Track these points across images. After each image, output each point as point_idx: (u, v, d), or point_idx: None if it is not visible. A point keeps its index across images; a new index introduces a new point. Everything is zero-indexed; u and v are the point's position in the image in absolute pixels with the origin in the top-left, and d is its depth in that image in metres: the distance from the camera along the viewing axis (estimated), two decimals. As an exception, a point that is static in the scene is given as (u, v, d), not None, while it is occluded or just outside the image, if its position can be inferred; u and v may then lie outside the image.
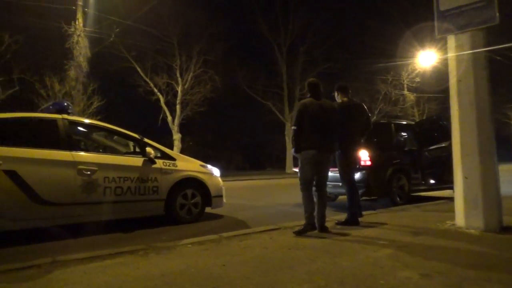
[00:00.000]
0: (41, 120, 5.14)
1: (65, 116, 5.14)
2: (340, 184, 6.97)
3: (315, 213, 4.63)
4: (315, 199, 4.64)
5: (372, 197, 7.69)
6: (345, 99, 5.34)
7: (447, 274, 2.96)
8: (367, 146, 6.97)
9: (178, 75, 22.14)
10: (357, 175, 6.87)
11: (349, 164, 5.20)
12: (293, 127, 4.66)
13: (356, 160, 5.51)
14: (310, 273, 3.02)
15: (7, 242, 4.46)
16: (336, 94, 5.47)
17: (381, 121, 8.81)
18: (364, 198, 7.48)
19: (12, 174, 4.38)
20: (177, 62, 21.92)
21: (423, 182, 7.96)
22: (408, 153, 7.89)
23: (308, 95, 4.79)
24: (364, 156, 6.86)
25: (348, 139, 5.06)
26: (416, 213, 6.15)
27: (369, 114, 5.47)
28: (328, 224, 4.79)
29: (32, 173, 4.51)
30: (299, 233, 4.52)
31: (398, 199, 7.29)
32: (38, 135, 4.97)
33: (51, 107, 5.47)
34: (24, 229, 4.66)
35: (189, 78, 22.18)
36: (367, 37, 24.10)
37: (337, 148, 4.94)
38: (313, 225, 4.59)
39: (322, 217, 4.68)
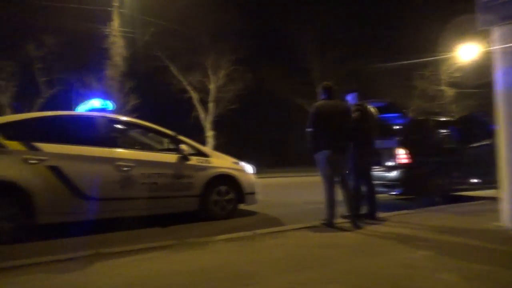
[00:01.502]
0: (82, 118, 5.35)
1: (104, 114, 5.31)
2: (376, 182, 6.88)
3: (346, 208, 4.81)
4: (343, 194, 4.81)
5: (410, 196, 7.46)
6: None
7: (491, 277, 2.82)
8: (405, 143, 6.76)
9: (210, 73, 22.38)
10: (394, 173, 6.70)
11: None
12: (308, 129, 4.81)
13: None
14: (343, 272, 2.97)
15: (51, 234, 4.67)
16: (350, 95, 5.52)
17: (419, 118, 8.51)
18: (401, 197, 7.29)
19: (56, 170, 4.59)
20: (209, 60, 22.15)
21: (464, 181, 7.61)
22: (448, 150, 7.57)
23: (322, 97, 5.00)
24: (401, 153, 6.66)
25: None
26: (457, 213, 5.90)
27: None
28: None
29: (74, 169, 4.70)
30: (320, 227, 4.69)
31: (437, 198, 7.01)
32: (80, 132, 5.16)
33: (91, 105, 5.67)
34: (66, 222, 4.86)
35: (221, 76, 22.37)
36: (402, 32, 23.35)
37: (349, 147, 5.01)
38: (331, 224, 4.71)
39: (353, 211, 4.77)
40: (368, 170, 5.47)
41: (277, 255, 3.52)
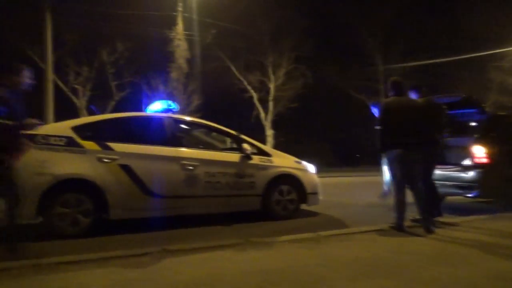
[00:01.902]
0: (150, 118, 5.57)
1: (170, 114, 5.48)
2: (449, 183, 6.38)
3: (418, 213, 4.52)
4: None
5: (488, 200, 6.82)
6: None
7: None
8: (484, 141, 6.17)
9: (270, 72, 22.41)
10: (471, 174, 6.15)
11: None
12: (377, 127, 4.58)
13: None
14: (420, 282, 2.74)
15: (120, 230, 4.91)
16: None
17: (500, 113, 7.73)
18: (478, 200, 6.69)
19: (126, 168, 4.81)
20: (269, 59, 22.20)
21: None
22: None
23: (391, 94, 4.75)
24: (479, 152, 6.08)
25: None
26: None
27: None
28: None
29: (142, 167, 4.90)
30: (388, 230, 4.45)
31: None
32: (147, 132, 5.38)
33: (158, 107, 5.88)
34: (135, 218, 5.08)
35: (281, 75, 22.31)
36: (478, 22, 21.50)
37: (424, 146, 4.66)
38: (401, 227, 4.44)
39: (424, 217, 4.46)
40: (432, 171, 5.18)
41: (346, 259, 3.35)
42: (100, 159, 4.72)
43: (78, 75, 18.75)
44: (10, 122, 3.58)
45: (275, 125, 23.64)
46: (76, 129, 4.84)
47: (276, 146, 23.01)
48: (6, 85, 3.68)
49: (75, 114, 18.10)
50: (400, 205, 4.46)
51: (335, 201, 7.64)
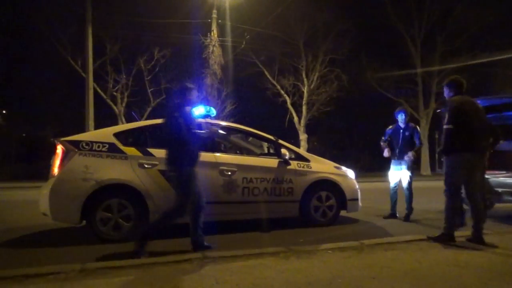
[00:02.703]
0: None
1: (208, 120, 5.48)
2: (501, 189, 5.99)
3: (473, 224, 4.16)
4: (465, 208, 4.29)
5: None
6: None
7: None
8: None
9: (304, 75, 22.23)
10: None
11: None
12: (446, 126, 4.17)
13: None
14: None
15: (160, 235, 4.92)
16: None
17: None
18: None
19: (166, 174, 4.83)
20: (302, 63, 22.03)
21: None
22: None
23: (452, 94, 4.40)
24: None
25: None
26: None
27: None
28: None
29: (181, 173, 4.90)
30: (434, 240, 4.20)
31: None
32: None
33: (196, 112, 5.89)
34: (175, 224, 5.09)
35: (315, 78, 22.06)
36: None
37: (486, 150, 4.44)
38: (452, 237, 4.15)
39: (479, 229, 4.12)
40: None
41: (395, 272, 3.16)
42: (141, 165, 4.78)
43: (117, 82, 19.40)
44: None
45: (310, 129, 23.40)
46: (118, 135, 4.93)
47: (310, 150, 22.77)
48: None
49: (114, 120, 18.72)
50: (454, 214, 4.20)
51: (375, 207, 7.38)
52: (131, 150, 4.84)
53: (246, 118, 20.86)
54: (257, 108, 24.98)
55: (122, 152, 4.80)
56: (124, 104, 19.84)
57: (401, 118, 6.29)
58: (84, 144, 4.73)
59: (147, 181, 4.76)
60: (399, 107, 6.65)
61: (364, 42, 22.58)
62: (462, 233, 4.40)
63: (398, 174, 6.29)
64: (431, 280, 2.94)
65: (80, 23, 16.10)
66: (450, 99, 4.39)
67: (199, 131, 4.01)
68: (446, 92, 4.50)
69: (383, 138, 6.46)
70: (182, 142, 3.84)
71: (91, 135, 5.13)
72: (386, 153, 6.36)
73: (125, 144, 4.89)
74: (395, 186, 6.37)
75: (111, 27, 18.12)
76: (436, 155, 5.66)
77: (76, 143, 4.73)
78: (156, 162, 4.84)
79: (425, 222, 5.93)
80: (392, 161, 6.36)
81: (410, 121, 6.43)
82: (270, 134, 5.83)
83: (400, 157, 6.21)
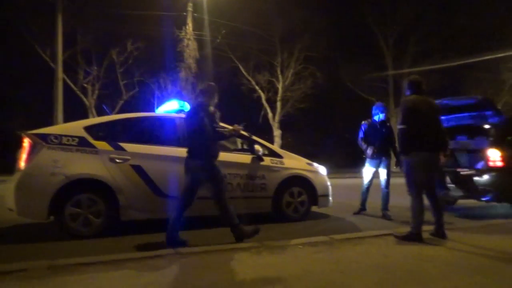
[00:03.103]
0: (161, 119, 5.54)
1: (182, 115, 5.44)
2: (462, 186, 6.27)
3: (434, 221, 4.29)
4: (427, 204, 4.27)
5: (503, 203, 6.69)
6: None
7: None
8: (499, 144, 6.06)
9: (279, 72, 22.35)
10: (485, 177, 6.04)
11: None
12: (400, 126, 4.22)
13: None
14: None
15: (132, 231, 4.88)
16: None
17: (516, 116, 7.59)
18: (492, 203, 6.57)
19: (137, 169, 4.78)
20: (278, 59, 22.13)
21: None
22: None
23: (409, 93, 4.43)
24: (494, 155, 5.97)
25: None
26: None
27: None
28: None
29: (154, 168, 4.86)
30: (402, 238, 4.20)
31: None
32: (159, 133, 5.34)
33: (169, 107, 5.84)
34: (147, 219, 5.04)
35: (290, 75, 22.23)
36: (492, 23, 21.25)
37: (447, 149, 4.44)
38: (420, 236, 4.16)
39: (441, 224, 4.27)
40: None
41: (363, 265, 3.26)
42: (112, 160, 4.70)
43: (88, 74, 18.87)
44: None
45: (284, 125, 23.56)
46: (88, 129, 4.82)
47: (284, 146, 22.93)
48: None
49: (84, 113, 18.22)
50: (420, 213, 4.19)
51: (346, 203, 7.54)
52: (102, 145, 4.74)
53: (221, 113, 20.76)
54: (232, 103, 24.89)
55: (92, 146, 4.70)
56: (95, 97, 19.33)
57: (379, 113, 6.13)
58: (52, 137, 4.60)
59: (118, 176, 4.69)
60: (378, 102, 6.47)
61: (339, 40, 22.93)
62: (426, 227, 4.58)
63: (373, 172, 6.21)
64: (397, 273, 3.06)
65: (50, 11, 15.53)
66: (404, 99, 4.46)
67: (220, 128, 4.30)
68: (406, 92, 4.52)
69: (361, 136, 6.24)
70: (208, 138, 4.14)
71: (61, 128, 4.99)
72: (370, 152, 6.09)
73: (96, 138, 4.78)
74: (368, 184, 6.33)
75: (83, 17, 17.59)
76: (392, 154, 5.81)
77: (44, 137, 4.59)
78: (128, 157, 4.77)
79: (394, 217, 6.10)
80: (368, 158, 6.20)
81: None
82: (244, 130, 5.82)
83: (378, 155, 6.04)
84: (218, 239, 4.34)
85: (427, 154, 4.15)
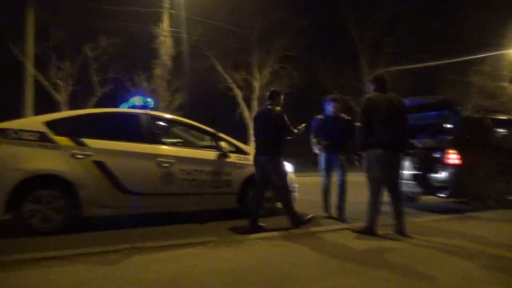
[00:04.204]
0: (125, 115, 5.52)
1: (147, 111, 5.44)
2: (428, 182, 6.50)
3: (393, 216, 4.39)
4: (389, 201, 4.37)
5: (461, 200, 6.98)
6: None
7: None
8: (456, 143, 6.32)
9: (256, 71, 22.41)
10: (444, 174, 6.29)
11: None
12: (357, 123, 4.35)
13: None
14: (385, 280, 2.79)
15: (93, 227, 4.86)
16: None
17: (474, 116, 7.92)
18: (452, 200, 6.84)
19: (100, 165, 4.76)
20: (255, 58, 22.18)
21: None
22: (508, 151, 6.97)
23: (372, 90, 4.49)
24: (451, 153, 6.22)
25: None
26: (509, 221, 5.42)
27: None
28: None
29: (117, 164, 4.84)
30: (358, 232, 4.35)
31: (493, 202, 6.48)
32: (123, 129, 5.32)
33: (134, 103, 5.82)
34: (109, 215, 5.02)
35: (267, 74, 22.32)
36: (461, 26, 21.97)
37: (407, 147, 4.61)
38: (373, 232, 4.27)
39: (400, 221, 4.35)
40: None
41: (316, 258, 3.38)
42: (73, 155, 4.66)
43: (60, 70, 18.42)
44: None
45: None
46: (49, 124, 4.75)
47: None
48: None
49: (56, 110, 17.78)
50: (376, 209, 4.28)
51: (313, 199, 7.67)
52: (63, 140, 4.69)
53: (196, 111, 20.71)
54: (209, 101, 24.81)
55: (53, 141, 4.64)
56: (67, 93, 18.88)
57: (329, 107, 5.83)
58: (12, 132, 4.52)
59: (80, 172, 4.65)
60: (329, 96, 6.17)
61: (316, 40, 23.19)
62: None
63: (327, 169, 5.91)
64: (348, 264, 3.18)
65: (21, 4, 15.11)
66: (365, 97, 4.52)
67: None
68: (370, 88, 4.55)
69: (310, 132, 5.92)
70: (276, 135, 4.77)
71: (20, 123, 4.89)
72: (316, 148, 5.91)
73: (57, 134, 4.72)
74: (326, 183, 5.99)
75: (56, 11, 17.16)
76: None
77: (3, 131, 4.51)
78: (90, 153, 4.74)
79: (356, 213, 6.25)
80: (324, 154, 5.84)
81: (344, 113, 6.04)
82: (220, 128, 5.88)
83: (330, 151, 5.73)
84: (181, 234, 4.38)
85: (383, 152, 4.19)
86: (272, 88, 5.24)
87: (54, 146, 4.63)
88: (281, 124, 4.74)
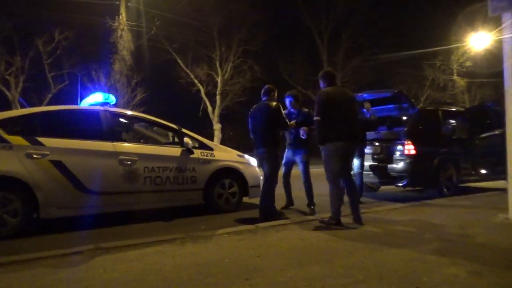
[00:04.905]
0: (84, 112, 5.34)
1: (107, 108, 5.29)
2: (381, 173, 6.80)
3: (349, 206, 4.55)
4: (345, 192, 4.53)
5: (417, 188, 7.36)
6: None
7: (499, 273, 2.74)
8: (411, 134, 6.64)
9: (217, 65, 22.27)
10: (401, 164, 6.60)
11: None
12: (315, 118, 4.46)
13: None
14: (347, 267, 2.91)
15: (53, 229, 4.69)
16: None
17: (427, 108, 8.35)
18: (408, 188, 7.19)
19: (58, 164, 4.58)
20: (216, 52, 22.03)
21: (473, 172, 7.47)
22: (457, 141, 7.43)
23: (324, 85, 4.64)
24: (407, 144, 6.53)
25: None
26: (465, 205, 5.80)
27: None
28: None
29: (76, 163, 4.68)
30: (324, 223, 4.46)
31: (445, 190, 6.89)
32: (82, 126, 5.15)
33: (94, 100, 5.65)
34: (69, 216, 4.85)
35: (229, 69, 22.23)
36: (415, 21, 22.98)
37: (359, 138, 4.91)
38: (339, 221, 4.43)
39: (356, 209, 4.54)
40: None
41: (281, 249, 3.47)
42: (29, 155, 4.45)
43: (10, 65, 17.41)
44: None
45: (225, 119, 23.56)
46: (1, 123, 4.51)
47: (225, 140, 23.01)
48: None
49: (7, 107, 16.82)
50: (339, 199, 4.43)
51: (279, 193, 7.78)
52: (17, 139, 4.46)
53: (159, 107, 20.32)
54: (171, 97, 24.42)
55: (6, 141, 4.40)
56: (19, 90, 17.90)
57: (288, 103, 5.88)
58: (-41, 133, 4.25)
59: (37, 172, 4.45)
60: (288, 92, 6.10)
61: (276, 34, 23.37)
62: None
63: (288, 163, 5.99)
64: (307, 253, 3.30)
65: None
66: (318, 92, 4.68)
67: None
68: (320, 84, 4.72)
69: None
70: (273, 129, 5.08)
71: (-31, 123, 4.61)
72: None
73: (10, 133, 4.48)
74: (285, 176, 6.04)
75: (2, 1, 16.17)
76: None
77: (-51, 132, 4.23)
78: (47, 152, 4.54)
79: (327, 204, 6.43)
80: (286, 149, 5.96)
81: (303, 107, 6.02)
82: (184, 124, 5.82)
83: (294, 145, 5.80)
84: (146, 233, 4.32)
85: (341, 144, 4.35)
86: (266, 85, 5.38)
87: (7, 146, 4.39)
88: (278, 118, 5.02)
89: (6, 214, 4.28)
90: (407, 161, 6.53)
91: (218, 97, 22.49)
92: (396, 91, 7.28)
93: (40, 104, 17.05)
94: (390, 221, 4.69)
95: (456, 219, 4.70)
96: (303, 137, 5.52)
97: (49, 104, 17.62)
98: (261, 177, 6.27)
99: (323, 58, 25.63)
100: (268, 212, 5.06)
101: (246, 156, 6.36)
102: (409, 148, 6.53)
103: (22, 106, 14.79)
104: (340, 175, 4.46)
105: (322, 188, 5.29)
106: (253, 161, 6.39)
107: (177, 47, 20.86)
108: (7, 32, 16.86)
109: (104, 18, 16.99)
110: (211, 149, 5.87)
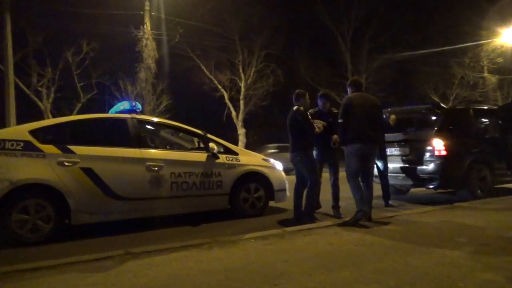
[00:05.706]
0: (113, 120, 5.47)
1: (134, 115, 5.40)
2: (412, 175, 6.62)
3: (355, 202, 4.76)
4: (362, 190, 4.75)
5: (448, 190, 7.11)
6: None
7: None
8: (442, 134, 6.43)
9: (240, 70, 22.39)
10: (431, 166, 6.39)
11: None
12: (339, 120, 4.86)
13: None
14: (377, 272, 2.83)
15: (84, 234, 4.81)
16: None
17: (458, 107, 8.07)
18: (439, 190, 6.96)
19: (88, 171, 4.71)
20: (239, 57, 22.16)
21: (509, 173, 7.14)
22: (490, 140, 7.12)
23: (352, 91, 5.04)
24: (438, 145, 6.32)
25: None
26: (501, 208, 5.54)
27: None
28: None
29: (106, 170, 4.80)
30: (353, 224, 4.52)
31: (479, 191, 6.61)
32: (110, 134, 5.28)
33: (121, 108, 5.78)
34: (99, 222, 4.97)
35: (252, 73, 22.30)
36: (440, 18, 22.39)
37: (379, 141, 5.20)
38: (366, 212, 4.63)
39: (369, 208, 4.72)
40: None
41: (308, 254, 3.41)
42: (60, 163, 4.59)
43: (42, 77, 18.11)
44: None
45: (248, 123, 23.63)
46: (34, 132, 4.68)
47: (249, 145, 23.05)
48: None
49: (40, 117, 17.48)
50: (362, 197, 4.66)
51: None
52: (49, 148, 4.62)
53: (184, 113, 20.64)
54: (195, 103, 24.72)
55: (39, 150, 4.57)
56: (50, 100, 18.57)
57: (320, 103, 5.84)
58: (-5, 143, 4.44)
59: (68, 179, 4.59)
60: (320, 91, 6.12)
61: (298, 37, 23.28)
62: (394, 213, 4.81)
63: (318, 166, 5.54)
64: (335, 257, 3.24)
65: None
66: (345, 97, 5.04)
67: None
68: (348, 91, 5.13)
69: None
70: (301, 133, 5.17)
71: (4, 133, 4.82)
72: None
73: (42, 142, 4.65)
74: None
75: (33, 16, 16.84)
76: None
77: (-15, 142, 4.42)
78: (78, 160, 4.68)
79: (349, 208, 6.31)
80: (315, 152, 5.59)
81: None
82: (208, 129, 5.91)
83: (322, 146, 5.58)
84: (174, 238, 4.36)
85: (360, 145, 4.67)
86: (298, 90, 5.49)
87: (40, 154, 4.56)
88: (303, 122, 5.12)
89: (40, 220, 4.43)
90: (438, 162, 6.31)
91: (241, 102, 22.57)
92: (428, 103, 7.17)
93: (70, 113, 17.64)
94: (420, 223, 4.55)
95: (491, 222, 4.51)
96: (333, 146, 5.48)
97: (79, 113, 18.20)
98: (286, 181, 6.28)
99: (346, 60, 25.29)
100: (306, 212, 5.21)
101: (271, 160, 6.34)
102: (440, 149, 6.32)
103: (53, 116, 15.37)
104: (357, 175, 4.72)
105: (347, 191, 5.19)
106: (279, 165, 6.36)
107: (200, 53, 21.12)
108: (38, 45, 17.56)
109: (129, 28, 17.42)
110: (236, 153, 5.89)
